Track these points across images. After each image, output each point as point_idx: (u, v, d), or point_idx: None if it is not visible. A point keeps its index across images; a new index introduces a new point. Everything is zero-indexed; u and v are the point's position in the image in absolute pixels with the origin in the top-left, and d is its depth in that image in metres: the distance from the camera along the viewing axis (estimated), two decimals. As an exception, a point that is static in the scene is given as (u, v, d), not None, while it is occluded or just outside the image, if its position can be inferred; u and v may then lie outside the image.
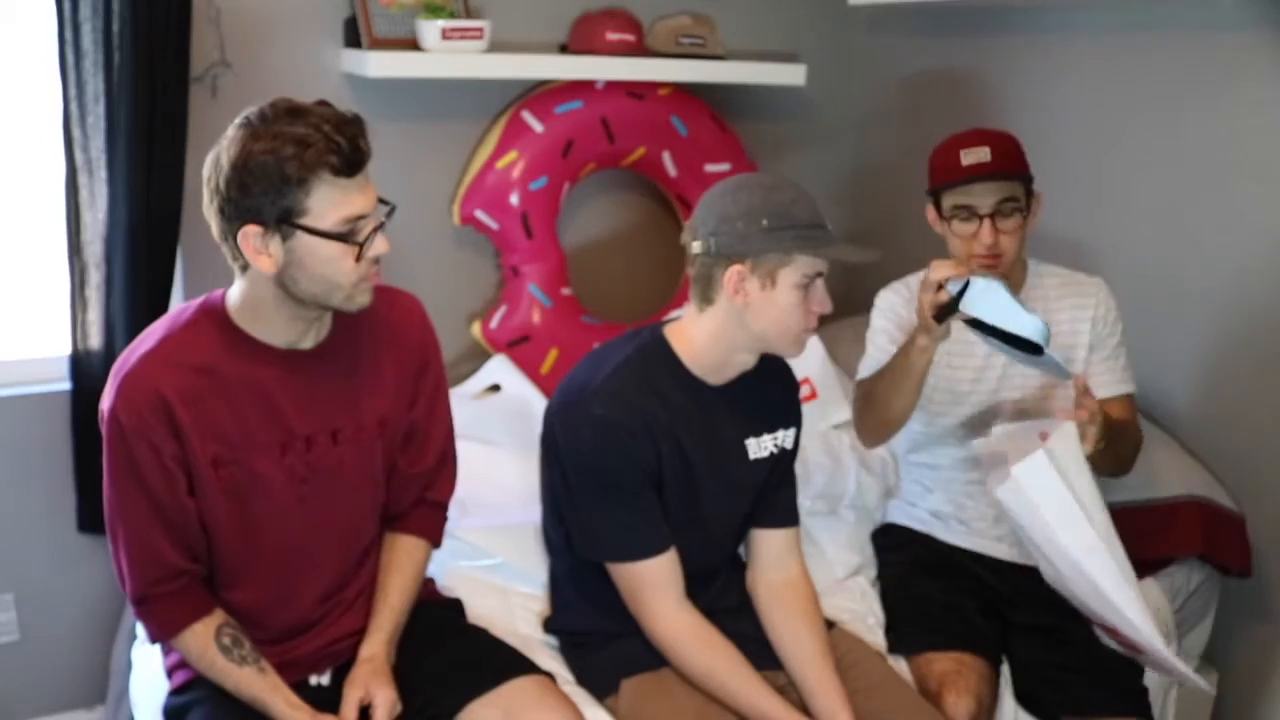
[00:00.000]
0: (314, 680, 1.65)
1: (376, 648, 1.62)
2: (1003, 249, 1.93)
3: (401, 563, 1.71)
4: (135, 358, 1.51)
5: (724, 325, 1.67)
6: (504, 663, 1.66)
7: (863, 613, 2.03)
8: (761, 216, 1.60)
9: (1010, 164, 1.93)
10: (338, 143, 1.41)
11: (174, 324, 1.55)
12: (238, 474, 1.53)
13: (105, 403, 1.50)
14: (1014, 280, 2.03)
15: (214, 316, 1.55)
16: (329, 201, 1.44)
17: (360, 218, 1.47)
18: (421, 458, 1.72)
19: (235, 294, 1.55)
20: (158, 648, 1.66)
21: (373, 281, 1.53)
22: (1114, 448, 1.82)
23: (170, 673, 1.65)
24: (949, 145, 1.97)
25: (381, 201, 1.52)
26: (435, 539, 1.77)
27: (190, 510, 1.53)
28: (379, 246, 1.50)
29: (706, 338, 1.70)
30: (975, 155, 1.91)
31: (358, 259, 1.48)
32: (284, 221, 1.43)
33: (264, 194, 1.41)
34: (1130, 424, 2.00)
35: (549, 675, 1.68)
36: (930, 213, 2.02)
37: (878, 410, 1.96)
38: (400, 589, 1.68)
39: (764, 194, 1.63)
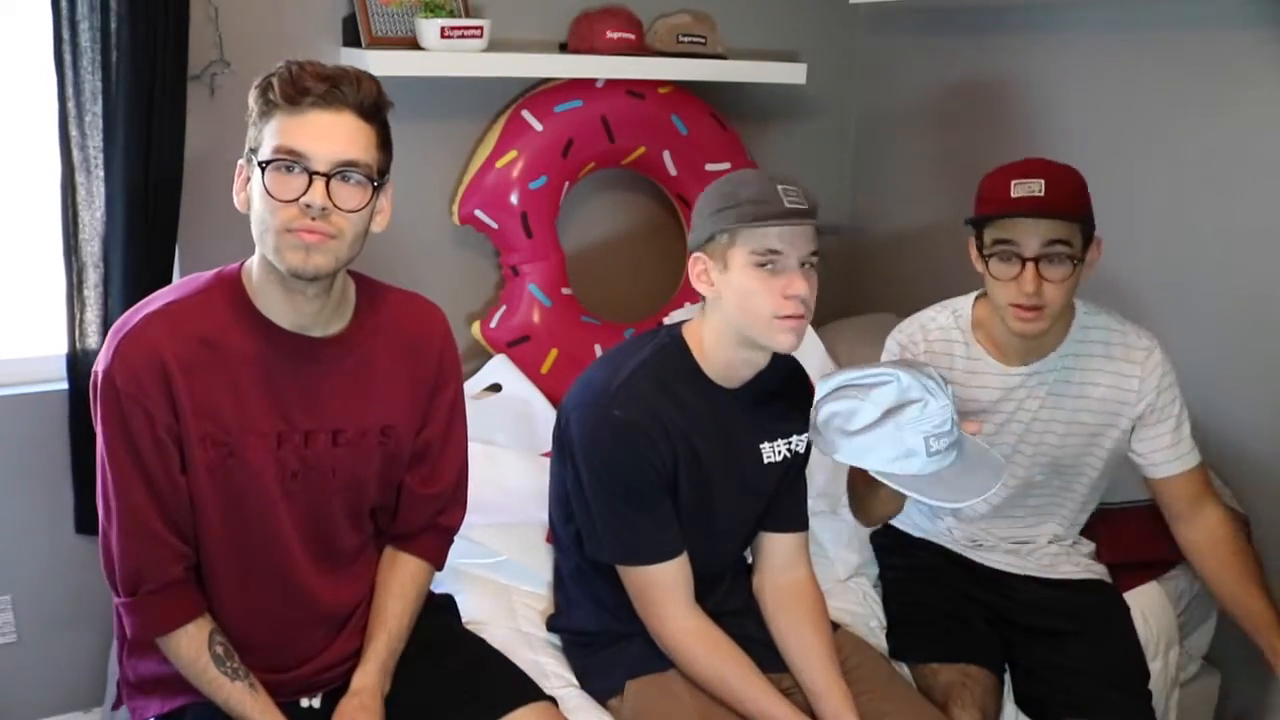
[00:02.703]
0: (305, 703, 1.59)
1: (369, 678, 1.55)
2: (1046, 300, 1.69)
3: (404, 585, 1.64)
4: (138, 318, 1.42)
5: (714, 321, 1.68)
6: (505, 690, 1.60)
7: (865, 615, 2.02)
8: (715, 204, 1.62)
9: (1066, 203, 1.69)
10: (290, 71, 1.36)
11: (185, 289, 1.47)
12: (226, 456, 1.45)
13: (100, 365, 1.41)
14: (1055, 332, 1.81)
15: (228, 285, 1.47)
16: (272, 131, 1.37)
17: (295, 154, 1.35)
18: (435, 479, 1.66)
19: (250, 260, 1.48)
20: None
21: (305, 239, 1.36)
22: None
23: (144, 688, 1.54)
24: (1000, 171, 1.75)
25: (377, 174, 1.41)
26: (440, 563, 1.73)
27: (182, 488, 1.44)
28: (312, 195, 1.34)
29: (709, 337, 1.69)
30: (1027, 187, 1.68)
31: (273, 196, 1.34)
32: (253, 155, 1.39)
33: (250, 126, 1.40)
34: (1208, 495, 1.89)
35: (551, 700, 1.63)
36: (971, 250, 1.80)
37: (864, 514, 1.91)
38: (399, 614, 1.62)
39: (731, 186, 1.63)
